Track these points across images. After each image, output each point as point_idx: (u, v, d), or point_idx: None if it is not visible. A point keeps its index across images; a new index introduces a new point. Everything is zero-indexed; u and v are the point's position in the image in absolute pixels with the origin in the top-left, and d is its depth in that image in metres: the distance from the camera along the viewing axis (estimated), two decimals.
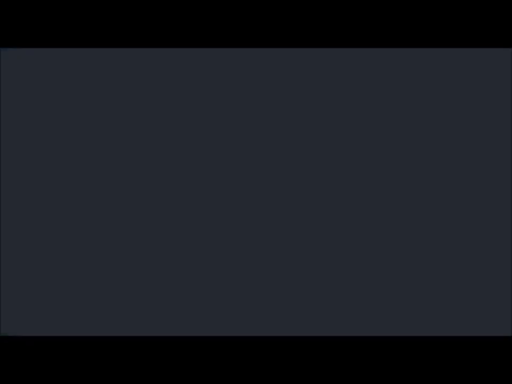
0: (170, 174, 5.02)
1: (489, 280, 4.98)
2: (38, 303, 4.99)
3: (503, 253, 4.99)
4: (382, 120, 5.03)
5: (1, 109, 5.03)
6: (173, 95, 5.05)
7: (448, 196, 5.02)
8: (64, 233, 4.99)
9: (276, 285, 5.00)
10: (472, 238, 4.99)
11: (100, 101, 5.04)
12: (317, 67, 5.05)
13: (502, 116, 5.03)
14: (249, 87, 5.05)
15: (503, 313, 4.98)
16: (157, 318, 4.99)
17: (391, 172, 5.02)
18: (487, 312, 4.98)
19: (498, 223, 4.99)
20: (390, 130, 5.03)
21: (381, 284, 4.99)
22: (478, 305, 4.98)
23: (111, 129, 5.03)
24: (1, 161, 5.01)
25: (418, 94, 5.04)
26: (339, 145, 5.03)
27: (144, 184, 5.02)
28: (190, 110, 5.05)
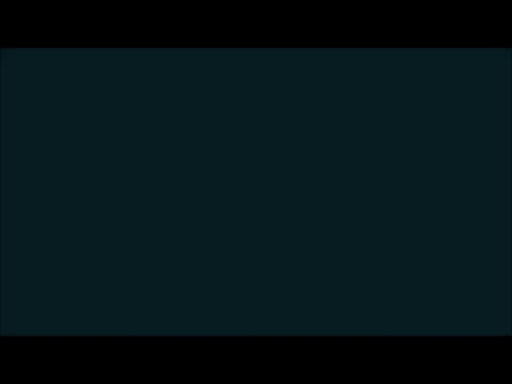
0: (170, 174, 5.02)
1: (489, 280, 4.99)
2: (38, 303, 4.99)
3: (503, 253, 4.99)
4: (381, 121, 5.04)
5: (1, 109, 5.03)
6: (173, 95, 5.05)
7: (448, 196, 5.02)
8: (64, 233, 4.99)
9: (275, 285, 5.00)
10: (472, 238, 5.00)
11: (100, 101, 5.04)
12: (317, 67, 5.05)
13: (502, 116, 5.03)
14: (249, 87, 5.06)
15: (503, 313, 4.98)
16: (157, 318, 4.99)
17: (391, 172, 5.02)
18: (487, 312, 4.98)
19: (498, 223, 4.99)
20: (390, 130, 5.03)
21: (381, 284, 4.99)
22: (478, 305, 4.98)
23: (111, 129, 5.03)
24: (1, 161, 5.01)
25: (418, 94, 5.05)
26: (339, 146, 5.03)
27: (144, 184, 5.02)
28: (189, 110, 5.06)
